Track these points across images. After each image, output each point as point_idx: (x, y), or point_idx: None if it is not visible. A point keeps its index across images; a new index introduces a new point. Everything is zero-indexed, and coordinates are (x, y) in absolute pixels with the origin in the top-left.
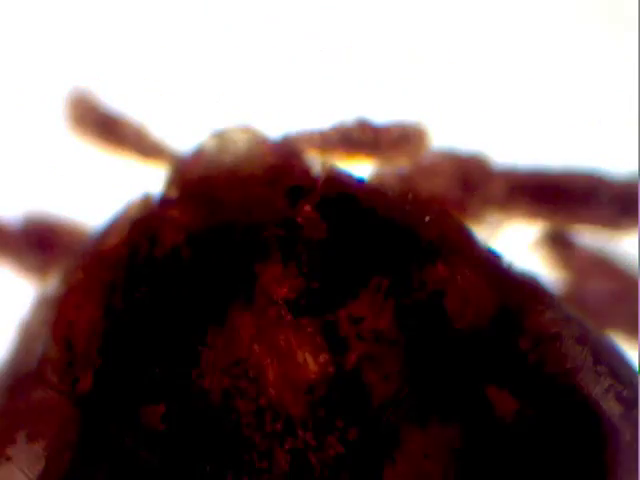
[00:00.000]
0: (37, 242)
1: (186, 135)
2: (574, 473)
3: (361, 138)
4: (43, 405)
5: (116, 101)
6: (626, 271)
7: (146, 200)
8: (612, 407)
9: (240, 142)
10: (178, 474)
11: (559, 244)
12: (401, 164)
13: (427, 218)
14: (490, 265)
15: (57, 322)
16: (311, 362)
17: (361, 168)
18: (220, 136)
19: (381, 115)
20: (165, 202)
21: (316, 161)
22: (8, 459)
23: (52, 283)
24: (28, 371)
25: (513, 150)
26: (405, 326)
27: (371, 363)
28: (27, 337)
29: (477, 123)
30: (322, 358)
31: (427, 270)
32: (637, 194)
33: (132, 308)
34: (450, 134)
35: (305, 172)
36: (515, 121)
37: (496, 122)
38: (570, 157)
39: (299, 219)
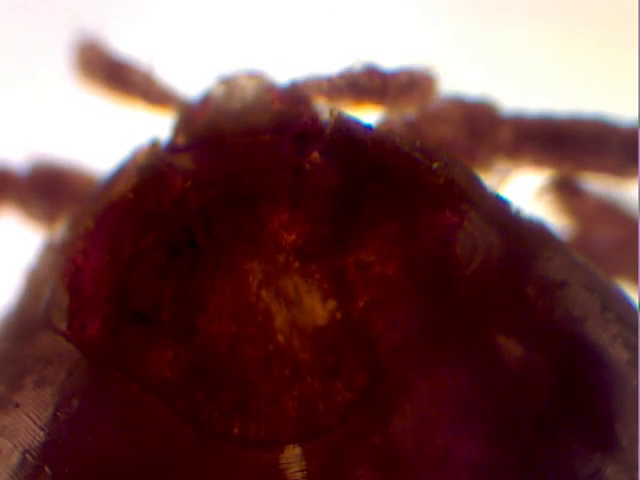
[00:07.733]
0: (44, 188)
1: (194, 81)
2: (581, 420)
3: (369, 85)
4: (51, 351)
5: (123, 47)
6: (630, 218)
7: (154, 147)
8: (620, 353)
9: (248, 88)
10: (185, 420)
11: (566, 191)
12: (409, 111)
13: (435, 165)
14: (498, 212)
15: (65, 268)
16: (319, 308)
17: (369, 115)
18: (228, 82)
19: (389, 61)
20: (173, 149)
21: (324, 108)
22: (16, 405)
23: (60, 229)
24: (36, 317)
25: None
26: (413, 272)
27: (379, 310)
28: (35, 283)
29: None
30: (330, 304)
31: (435, 216)
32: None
33: (140, 254)
34: (458, 80)
35: (313, 119)
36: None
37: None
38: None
39: (307, 165)
